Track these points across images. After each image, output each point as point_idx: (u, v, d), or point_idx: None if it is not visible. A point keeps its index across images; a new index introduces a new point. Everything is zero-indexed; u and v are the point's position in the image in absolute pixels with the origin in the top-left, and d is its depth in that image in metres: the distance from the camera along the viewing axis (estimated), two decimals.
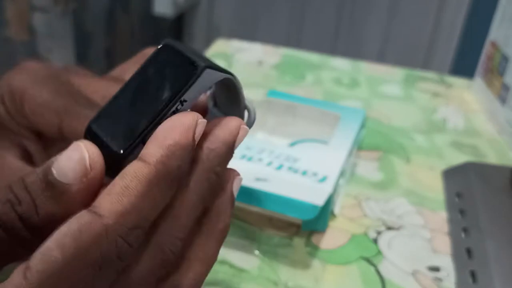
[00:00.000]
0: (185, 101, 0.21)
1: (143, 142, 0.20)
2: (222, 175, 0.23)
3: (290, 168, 0.38)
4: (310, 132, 0.45)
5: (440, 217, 0.41)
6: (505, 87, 0.54)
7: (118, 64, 0.30)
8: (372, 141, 0.50)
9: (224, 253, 0.36)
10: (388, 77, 0.64)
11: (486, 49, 0.60)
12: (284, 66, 0.65)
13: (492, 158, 0.49)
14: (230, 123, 0.22)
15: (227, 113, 0.25)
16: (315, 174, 0.38)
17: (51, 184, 0.19)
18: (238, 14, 1.55)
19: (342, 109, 0.47)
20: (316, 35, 1.49)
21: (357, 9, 1.44)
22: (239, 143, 0.23)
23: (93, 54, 1.28)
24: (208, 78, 0.21)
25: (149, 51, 0.31)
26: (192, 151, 0.20)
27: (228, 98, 0.25)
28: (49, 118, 0.26)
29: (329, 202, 0.36)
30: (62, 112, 0.25)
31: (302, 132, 0.46)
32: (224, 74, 0.22)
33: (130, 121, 0.21)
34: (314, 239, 0.37)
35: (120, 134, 0.21)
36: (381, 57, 1.45)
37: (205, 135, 0.22)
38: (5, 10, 1.12)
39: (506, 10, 0.56)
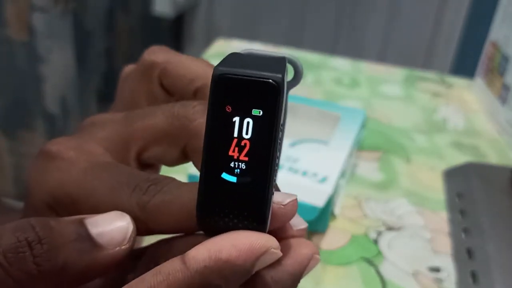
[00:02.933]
0: (282, 124, 0.17)
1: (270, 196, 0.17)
2: None
3: (290, 169, 0.38)
4: (310, 132, 0.45)
5: (441, 218, 0.41)
6: (506, 87, 0.53)
7: (118, 64, 0.30)
8: (372, 141, 0.50)
9: None
10: (389, 77, 0.64)
11: (487, 49, 0.60)
12: None
13: (492, 158, 0.49)
14: (301, 251, 0.19)
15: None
16: (315, 175, 0.37)
17: (86, 237, 0.17)
18: (238, 14, 1.55)
19: (342, 109, 0.47)
20: (316, 35, 1.49)
21: (357, 9, 1.44)
22: (307, 273, 0.19)
23: (93, 54, 1.28)
24: (284, 86, 0.17)
25: (128, 69, 0.26)
26: (246, 276, 0.17)
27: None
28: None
29: (329, 203, 0.36)
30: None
31: (302, 132, 0.45)
32: (287, 65, 0.19)
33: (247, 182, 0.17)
34: (314, 239, 0.37)
35: (248, 208, 0.17)
36: (381, 57, 1.45)
37: None
38: (4, 10, 1.12)
39: (507, 10, 0.56)
